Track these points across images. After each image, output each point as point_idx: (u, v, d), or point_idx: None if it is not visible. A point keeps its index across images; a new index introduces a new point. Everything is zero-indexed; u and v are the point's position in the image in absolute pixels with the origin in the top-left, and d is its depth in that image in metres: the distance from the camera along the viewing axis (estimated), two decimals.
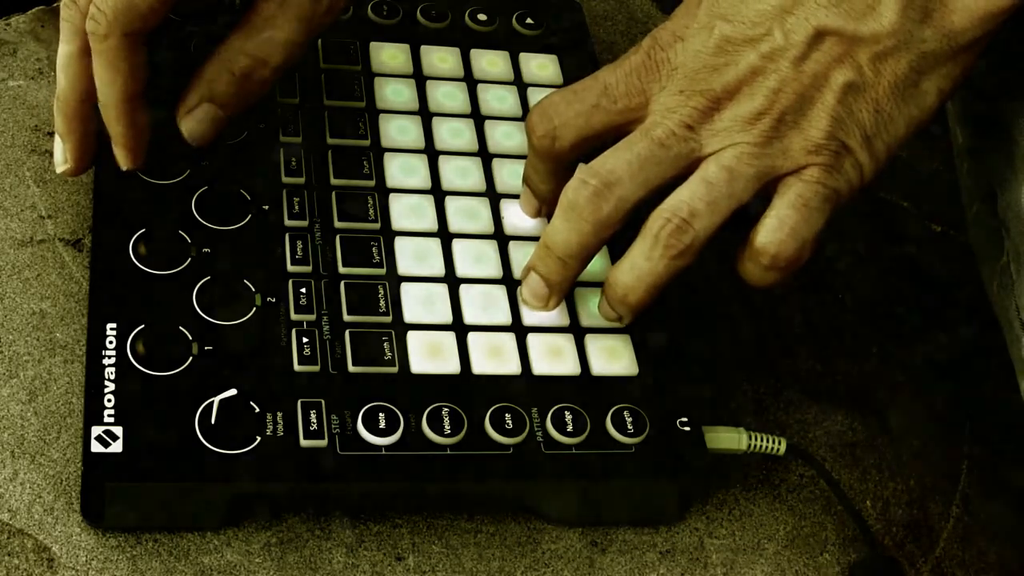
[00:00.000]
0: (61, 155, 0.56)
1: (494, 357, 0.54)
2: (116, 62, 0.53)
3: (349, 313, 0.54)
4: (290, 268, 0.55)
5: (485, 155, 0.62)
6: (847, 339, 0.65)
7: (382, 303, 0.55)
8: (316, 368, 0.52)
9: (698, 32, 0.51)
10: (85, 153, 0.56)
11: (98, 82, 0.53)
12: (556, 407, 0.53)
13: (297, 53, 0.56)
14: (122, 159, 0.56)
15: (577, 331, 0.56)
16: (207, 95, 0.56)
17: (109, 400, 0.49)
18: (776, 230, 0.50)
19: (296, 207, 0.57)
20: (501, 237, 0.59)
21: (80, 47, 0.54)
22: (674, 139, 0.51)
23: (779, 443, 0.56)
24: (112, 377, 0.50)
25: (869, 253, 0.69)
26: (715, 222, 0.50)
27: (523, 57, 0.67)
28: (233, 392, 0.50)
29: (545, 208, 0.58)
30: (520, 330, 0.56)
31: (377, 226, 0.57)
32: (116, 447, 0.48)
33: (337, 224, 0.57)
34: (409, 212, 0.58)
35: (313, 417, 0.50)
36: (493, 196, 0.60)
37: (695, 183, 0.51)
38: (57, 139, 0.56)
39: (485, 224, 0.59)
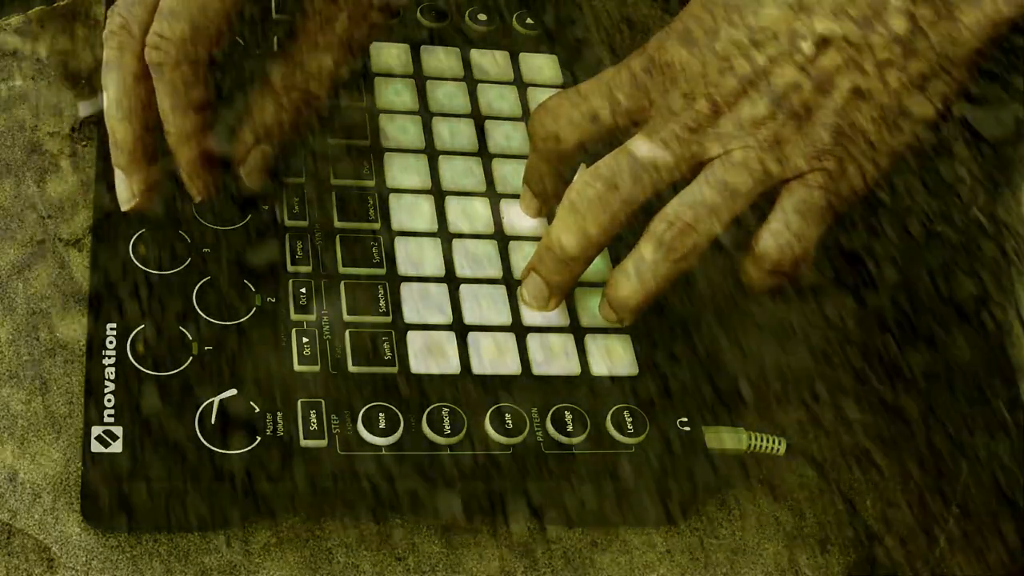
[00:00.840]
0: (127, 191, 0.53)
1: (494, 357, 0.54)
2: (188, 91, 0.51)
3: (349, 313, 0.54)
4: (290, 268, 0.55)
5: (485, 155, 0.62)
6: (846, 339, 0.65)
7: (382, 303, 0.55)
8: (316, 368, 0.52)
9: (703, 35, 0.51)
10: (151, 184, 0.53)
11: (168, 113, 0.51)
12: (556, 407, 0.53)
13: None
14: (197, 191, 0.54)
15: (577, 331, 0.56)
16: (262, 135, 0.55)
17: (109, 400, 0.49)
18: (779, 235, 0.50)
19: (296, 207, 0.57)
20: (501, 237, 0.59)
21: (136, 76, 0.51)
22: (677, 142, 0.51)
23: (779, 443, 0.56)
24: (112, 377, 0.50)
25: (869, 253, 0.69)
26: (718, 226, 0.50)
27: (523, 57, 0.67)
28: (233, 392, 0.50)
29: (545, 208, 0.58)
30: (520, 330, 0.56)
31: (377, 226, 0.57)
32: (116, 447, 0.48)
33: (337, 224, 0.57)
34: (409, 212, 0.58)
35: (313, 417, 0.50)
36: (493, 196, 0.60)
37: (698, 187, 0.51)
38: (119, 174, 0.53)
39: (485, 224, 0.59)
